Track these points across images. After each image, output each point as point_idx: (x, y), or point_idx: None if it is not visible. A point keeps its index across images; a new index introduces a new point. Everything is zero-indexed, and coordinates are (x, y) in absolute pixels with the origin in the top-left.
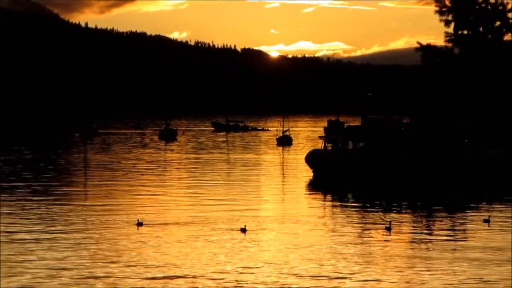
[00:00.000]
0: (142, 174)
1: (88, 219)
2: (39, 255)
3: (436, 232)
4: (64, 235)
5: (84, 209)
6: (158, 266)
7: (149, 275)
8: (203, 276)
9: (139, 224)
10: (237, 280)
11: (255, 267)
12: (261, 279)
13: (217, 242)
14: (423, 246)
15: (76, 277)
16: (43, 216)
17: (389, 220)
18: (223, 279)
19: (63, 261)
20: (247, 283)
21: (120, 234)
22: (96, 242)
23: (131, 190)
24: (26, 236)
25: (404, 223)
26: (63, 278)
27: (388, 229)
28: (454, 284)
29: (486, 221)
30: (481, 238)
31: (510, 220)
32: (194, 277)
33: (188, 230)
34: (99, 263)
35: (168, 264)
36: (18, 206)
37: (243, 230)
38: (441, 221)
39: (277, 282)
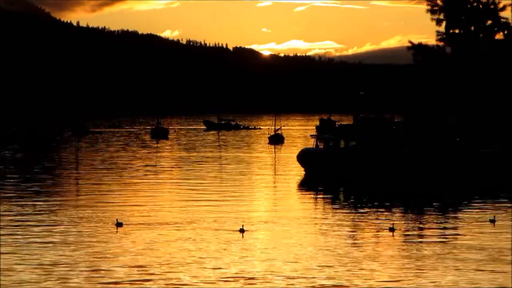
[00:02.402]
0: (115, 167)
1: (68, 218)
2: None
3: (440, 233)
4: (39, 236)
5: (67, 208)
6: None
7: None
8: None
9: (119, 224)
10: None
11: (253, 269)
12: (261, 280)
13: (206, 243)
14: (429, 247)
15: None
16: (21, 215)
17: (388, 219)
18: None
19: (34, 265)
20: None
21: (96, 236)
22: (67, 243)
23: (119, 189)
24: None
25: (406, 223)
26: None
27: (392, 229)
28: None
29: (492, 221)
30: (488, 238)
31: None
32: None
33: (173, 231)
34: (66, 267)
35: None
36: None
37: (242, 231)
38: (444, 221)
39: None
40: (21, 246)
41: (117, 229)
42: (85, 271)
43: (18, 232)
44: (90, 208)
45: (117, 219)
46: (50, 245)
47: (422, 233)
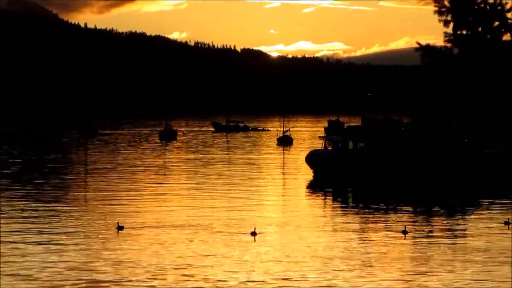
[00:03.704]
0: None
1: (71, 221)
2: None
3: (454, 235)
4: (38, 239)
5: (73, 210)
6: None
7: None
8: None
9: (120, 228)
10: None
11: (261, 273)
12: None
13: (212, 244)
14: (449, 250)
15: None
16: (22, 217)
17: (399, 221)
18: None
19: (30, 269)
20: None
21: (95, 240)
22: (66, 248)
23: (127, 191)
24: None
25: (418, 226)
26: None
27: (405, 232)
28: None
29: (507, 223)
30: (503, 240)
31: None
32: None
33: (182, 234)
34: (64, 271)
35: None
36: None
37: (254, 234)
38: (457, 224)
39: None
40: (22, 249)
41: (118, 232)
42: (82, 275)
43: (18, 234)
44: (96, 210)
45: (118, 223)
46: (52, 248)
47: (437, 236)
